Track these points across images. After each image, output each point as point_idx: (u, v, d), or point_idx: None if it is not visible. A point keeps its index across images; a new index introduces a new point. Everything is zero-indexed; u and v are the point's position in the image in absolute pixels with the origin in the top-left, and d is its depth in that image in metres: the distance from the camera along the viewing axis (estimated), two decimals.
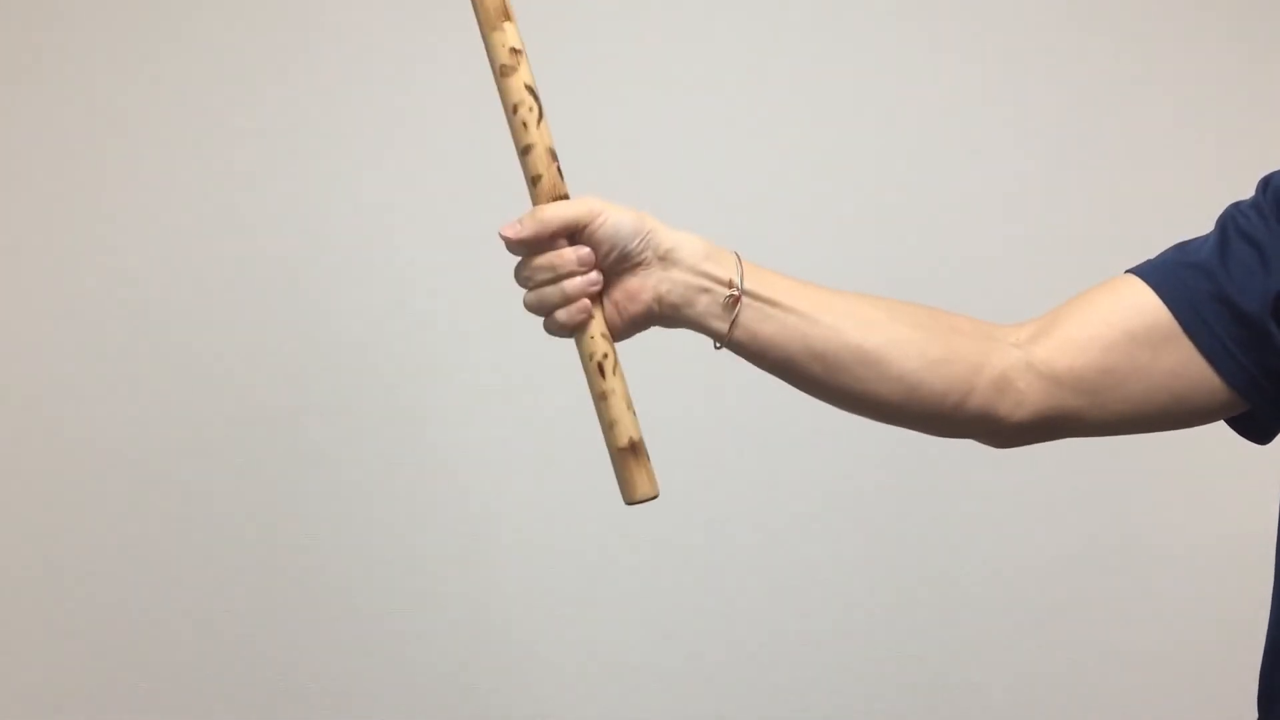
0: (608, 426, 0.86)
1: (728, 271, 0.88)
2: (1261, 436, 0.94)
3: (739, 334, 0.88)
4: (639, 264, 0.87)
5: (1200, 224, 0.97)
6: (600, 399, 0.86)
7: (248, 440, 1.65)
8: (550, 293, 0.85)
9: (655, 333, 0.91)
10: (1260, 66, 1.73)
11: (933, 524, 1.70)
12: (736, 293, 0.87)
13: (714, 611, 1.69)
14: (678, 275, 0.87)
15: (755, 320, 0.88)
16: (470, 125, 1.61)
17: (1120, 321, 0.91)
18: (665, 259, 0.87)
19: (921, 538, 1.70)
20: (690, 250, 0.87)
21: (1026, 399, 0.91)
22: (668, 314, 0.88)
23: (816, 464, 1.69)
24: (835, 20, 1.69)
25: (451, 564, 1.66)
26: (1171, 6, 1.72)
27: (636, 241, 0.86)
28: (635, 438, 0.86)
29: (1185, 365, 0.90)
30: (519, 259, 0.86)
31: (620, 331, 0.88)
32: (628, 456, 0.86)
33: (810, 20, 1.70)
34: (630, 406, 0.86)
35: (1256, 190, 0.93)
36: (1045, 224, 1.71)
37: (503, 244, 0.86)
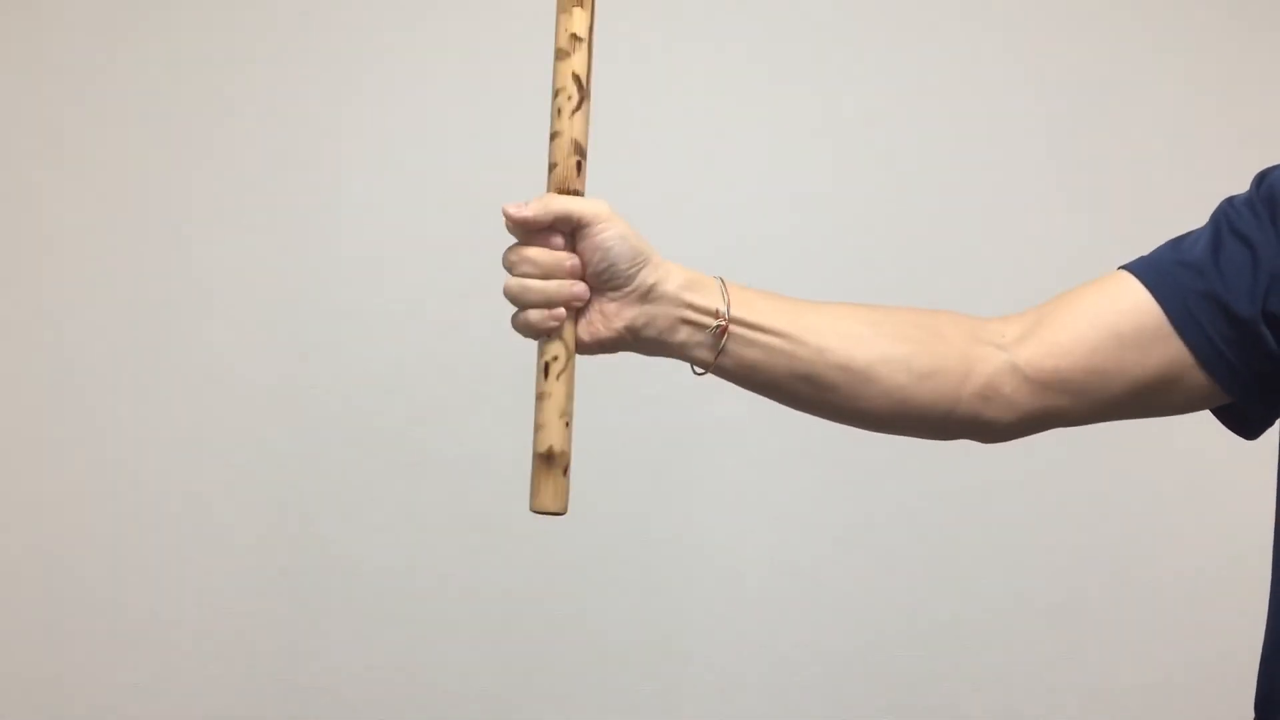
0: (535, 428, 0.85)
1: (713, 301, 0.86)
2: (1249, 432, 0.95)
3: (724, 360, 0.87)
4: (621, 288, 0.85)
5: (1199, 218, 0.96)
6: (537, 398, 0.85)
7: (249, 440, 1.65)
8: (533, 288, 0.84)
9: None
10: (1266, 63, 1.73)
11: (935, 531, 1.71)
12: (724, 323, 0.86)
13: (715, 619, 1.70)
14: (657, 310, 0.85)
15: (740, 347, 0.86)
16: (473, 122, 1.62)
17: (1108, 322, 0.90)
18: (647, 295, 0.85)
19: (922, 545, 1.71)
20: (673, 283, 0.85)
21: (1014, 403, 0.91)
22: (642, 346, 0.87)
23: (819, 469, 1.70)
24: (839, 21, 1.70)
25: (455, 565, 1.67)
26: (1180, 5, 1.73)
27: (628, 266, 0.84)
28: (556, 449, 0.84)
29: (1173, 363, 0.90)
30: (512, 243, 0.85)
31: (584, 347, 0.86)
32: (540, 464, 0.84)
33: (814, 22, 1.70)
34: (564, 416, 0.84)
35: (1251, 185, 0.92)
36: (1048, 224, 1.72)
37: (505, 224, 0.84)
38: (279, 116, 1.65)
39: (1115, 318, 0.90)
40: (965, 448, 1.68)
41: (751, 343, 0.87)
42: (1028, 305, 1.74)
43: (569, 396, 0.84)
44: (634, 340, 0.86)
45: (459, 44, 1.68)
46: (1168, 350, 0.90)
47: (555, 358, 0.84)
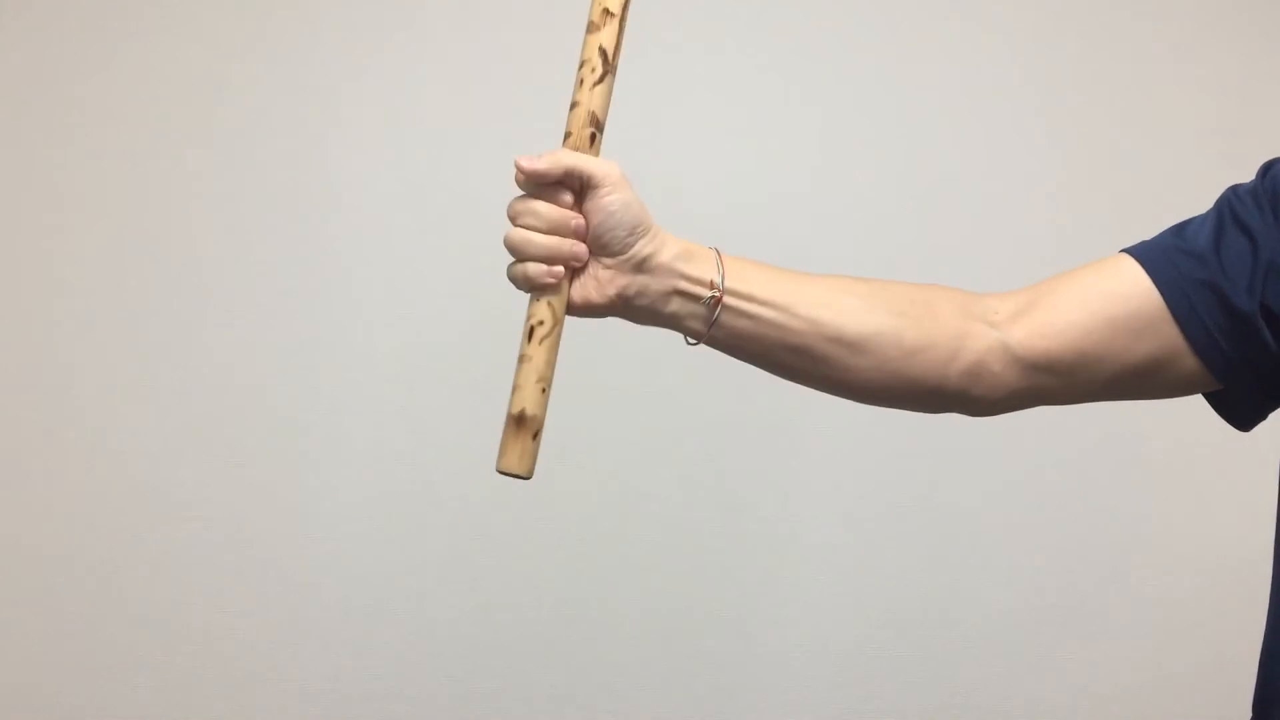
0: (512, 388, 0.84)
1: (708, 272, 0.86)
2: (1241, 423, 0.94)
3: (717, 331, 0.87)
4: (617, 254, 0.85)
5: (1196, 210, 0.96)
6: (519, 360, 0.84)
7: (245, 442, 1.65)
8: (535, 241, 0.83)
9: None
10: (1266, 61, 1.73)
11: (932, 531, 1.70)
12: (718, 293, 0.86)
13: (714, 620, 1.70)
14: (651, 280, 0.85)
15: (733, 318, 0.86)
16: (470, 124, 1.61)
17: (1103, 307, 0.90)
18: (642, 265, 0.85)
19: (919, 546, 1.70)
20: (668, 253, 0.85)
21: (1002, 381, 0.91)
22: (633, 314, 0.87)
23: (821, 469, 1.69)
24: (845, 21, 1.70)
25: (457, 562, 1.67)
26: (1190, 6, 1.73)
27: (627, 233, 0.84)
28: (529, 412, 0.83)
29: (1166, 349, 0.90)
30: (517, 196, 0.85)
31: (573, 308, 0.86)
32: (511, 425, 0.83)
33: (821, 20, 1.70)
34: (541, 382, 0.83)
35: (1257, 175, 0.92)
36: (1045, 223, 1.72)
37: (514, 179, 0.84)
38: (280, 112, 1.65)
39: (1112, 302, 0.90)
40: (963, 448, 1.68)
41: (744, 314, 0.86)
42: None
43: (550, 363, 0.84)
44: (625, 308, 0.86)
45: (460, 35, 1.67)
46: (1162, 337, 0.90)
47: (541, 321, 0.84)
